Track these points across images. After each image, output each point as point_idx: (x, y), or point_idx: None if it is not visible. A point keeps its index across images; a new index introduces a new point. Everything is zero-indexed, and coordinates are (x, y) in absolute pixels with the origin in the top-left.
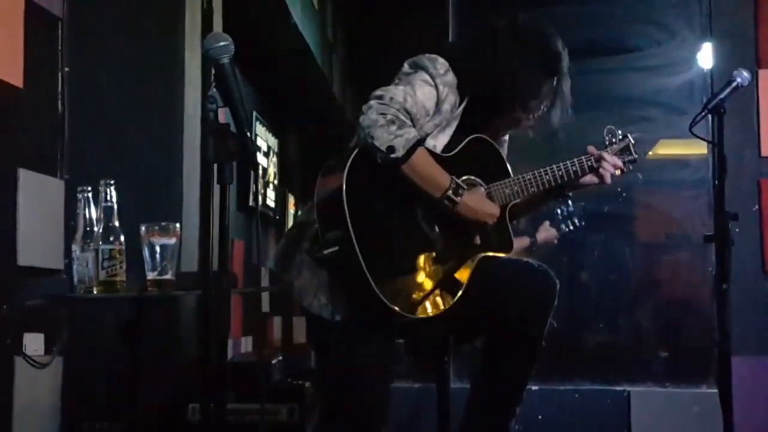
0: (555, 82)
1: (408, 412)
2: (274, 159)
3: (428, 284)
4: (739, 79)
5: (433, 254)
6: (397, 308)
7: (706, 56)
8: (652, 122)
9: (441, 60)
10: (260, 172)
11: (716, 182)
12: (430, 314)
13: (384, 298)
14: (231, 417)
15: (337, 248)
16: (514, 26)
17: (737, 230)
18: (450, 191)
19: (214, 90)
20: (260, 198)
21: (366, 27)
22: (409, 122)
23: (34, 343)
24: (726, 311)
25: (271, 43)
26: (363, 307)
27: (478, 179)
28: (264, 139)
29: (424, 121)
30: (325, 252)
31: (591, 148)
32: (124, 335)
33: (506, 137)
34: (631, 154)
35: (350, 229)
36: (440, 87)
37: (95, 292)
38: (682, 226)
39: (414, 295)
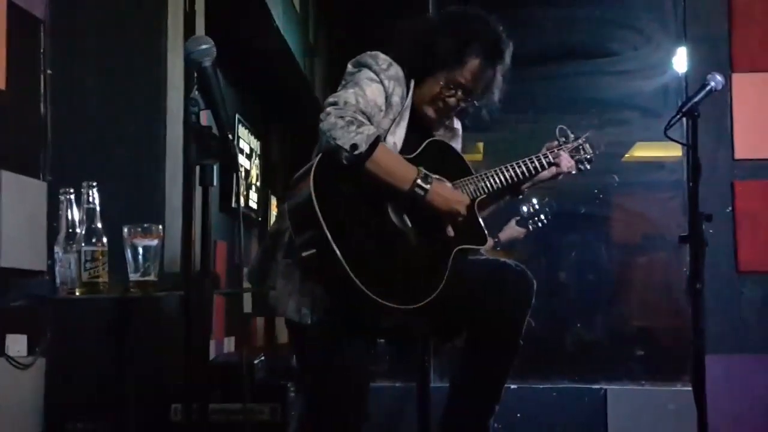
0: (483, 67)
1: (389, 411)
2: (257, 161)
3: (407, 277)
4: (712, 83)
5: (409, 248)
6: (380, 299)
7: (681, 60)
8: (628, 125)
9: (382, 56)
10: (242, 173)
11: (690, 184)
12: (413, 306)
13: (367, 290)
14: (214, 417)
15: (314, 250)
16: (456, 11)
17: (711, 231)
18: (419, 179)
19: (196, 93)
20: (242, 199)
21: (347, 30)
22: (366, 122)
23: (16, 344)
24: (700, 310)
25: (254, 46)
26: (346, 304)
27: (443, 178)
28: (246, 141)
29: (379, 117)
30: (303, 255)
31: (547, 145)
32: (107, 336)
33: (459, 128)
34: (585, 152)
35: (325, 228)
36: (385, 82)
37: (78, 294)
38: (657, 227)
39: (395, 287)
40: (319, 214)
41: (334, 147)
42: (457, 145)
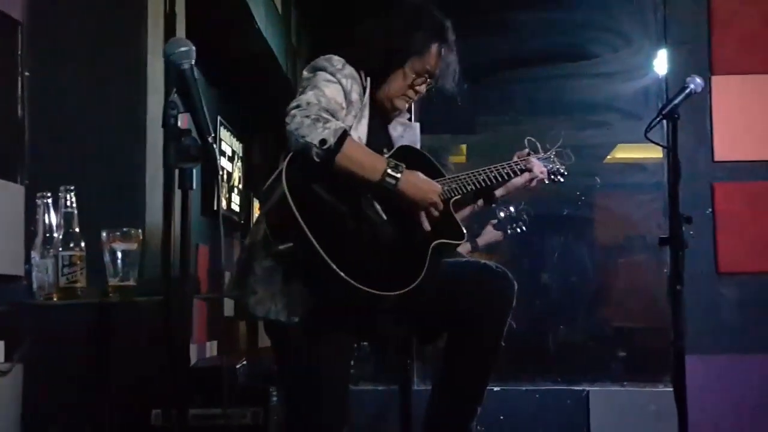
0: (441, 49)
1: (372, 414)
2: (239, 163)
3: (386, 265)
4: (692, 86)
5: (386, 240)
6: (363, 286)
7: (661, 63)
8: (609, 127)
9: (335, 57)
10: (225, 176)
11: (670, 186)
12: (396, 292)
13: (348, 277)
14: (195, 422)
15: (290, 243)
16: (401, 4)
17: (691, 233)
18: (389, 169)
19: (175, 95)
20: (225, 202)
21: (330, 32)
22: (331, 118)
23: None
24: (680, 311)
25: (235, 48)
26: (328, 300)
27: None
28: (228, 143)
29: (342, 115)
30: (280, 248)
31: (518, 153)
32: (85, 342)
33: (415, 124)
34: (556, 164)
35: (300, 221)
36: (342, 81)
37: (55, 299)
38: (639, 229)
39: (376, 274)
40: (294, 210)
41: (303, 144)
42: (416, 138)
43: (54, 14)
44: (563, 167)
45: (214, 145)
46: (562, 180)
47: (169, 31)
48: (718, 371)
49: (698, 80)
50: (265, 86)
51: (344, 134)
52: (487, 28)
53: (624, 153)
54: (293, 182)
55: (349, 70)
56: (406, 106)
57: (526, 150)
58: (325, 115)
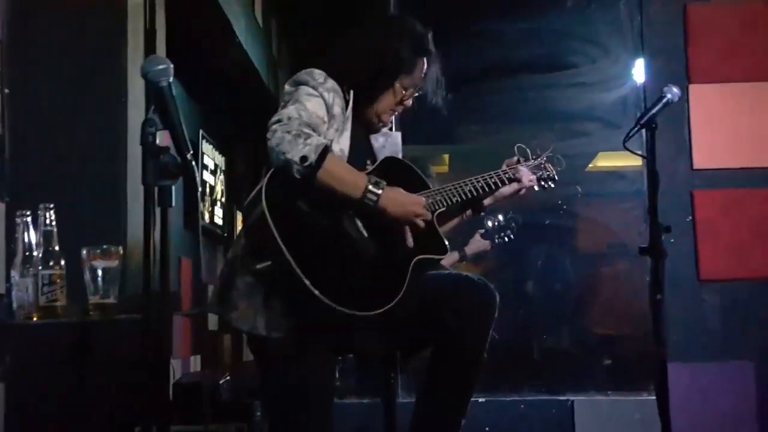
0: (426, 62)
1: (356, 427)
2: (221, 176)
3: (365, 285)
4: (669, 95)
5: (366, 258)
6: (340, 306)
7: (639, 72)
8: (589, 136)
9: (317, 71)
10: (207, 190)
11: (649, 196)
12: (374, 311)
13: (325, 298)
14: None
15: (269, 262)
16: (383, 18)
17: (672, 241)
18: (370, 185)
19: (153, 113)
20: (207, 215)
21: (311, 42)
22: (313, 133)
23: None
24: (661, 320)
25: (216, 61)
26: (308, 318)
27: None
28: (211, 156)
29: (324, 129)
30: (258, 267)
31: (507, 162)
32: (66, 361)
33: (398, 136)
34: (546, 171)
35: (278, 240)
36: (324, 94)
37: (35, 319)
38: (620, 237)
39: (355, 294)
40: (273, 229)
41: (284, 162)
42: (397, 148)
43: (34, 31)
44: (553, 173)
45: (194, 162)
46: (552, 186)
47: (150, 46)
48: (701, 378)
49: (675, 90)
50: (246, 99)
51: (325, 150)
52: (467, 38)
53: (605, 161)
54: (273, 200)
55: (331, 83)
56: (391, 119)
57: (515, 158)
58: (306, 130)
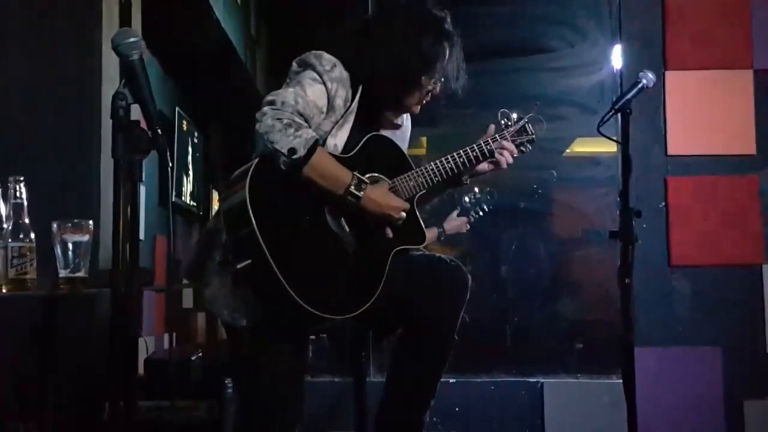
0: (450, 50)
1: (327, 405)
2: (198, 154)
3: (345, 284)
4: (644, 81)
5: (347, 254)
6: (318, 312)
7: (617, 57)
8: (566, 121)
9: (326, 56)
10: (188, 167)
11: (622, 180)
12: (350, 314)
13: (304, 303)
14: (148, 414)
15: (249, 261)
16: (400, 7)
17: (644, 226)
18: (352, 186)
19: (123, 87)
20: (185, 193)
21: (289, 22)
22: (305, 124)
23: None
24: (629, 304)
25: (194, 38)
26: (280, 312)
27: (381, 175)
28: (188, 133)
29: (319, 119)
30: (238, 266)
31: (490, 129)
32: (35, 334)
33: (408, 125)
34: (528, 134)
35: (259, 238)
36: (328, 84)
37: (4, 291)
38: (594, 223)
39: (332, 297)
40: (253, 221)
41: (272, 150)
42: (405, 136)
43: (5, 4)
44: (533, 135)
45: (165, 137)
46: (530, 148)
47: (125, 21)
48: (670, 363)
49: (650, 75)
50: (224, 77)
51: (315, 144)
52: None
53: (582, 147)
54: (256, 186)
55: (338, 72)
56: (419, 109)
57: (493, 126)
58: (298, 120)
